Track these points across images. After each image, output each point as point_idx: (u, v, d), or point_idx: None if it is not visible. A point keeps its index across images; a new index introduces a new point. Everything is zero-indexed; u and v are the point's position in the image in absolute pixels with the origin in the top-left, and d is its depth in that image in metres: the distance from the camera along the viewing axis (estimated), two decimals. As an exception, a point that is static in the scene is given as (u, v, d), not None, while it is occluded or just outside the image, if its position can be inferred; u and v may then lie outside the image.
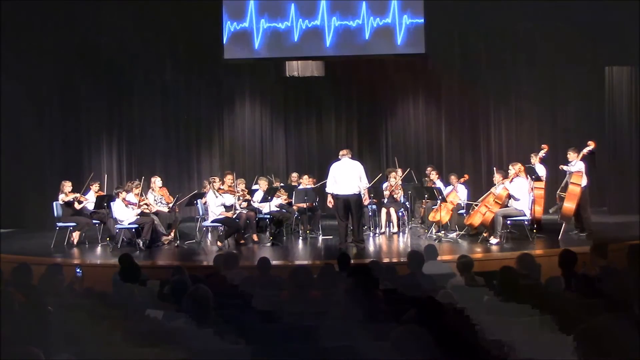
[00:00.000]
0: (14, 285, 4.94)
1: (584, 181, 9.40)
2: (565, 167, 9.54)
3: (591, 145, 9.47)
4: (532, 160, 9.87)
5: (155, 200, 10.22)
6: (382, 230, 10.59)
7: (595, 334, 2.38)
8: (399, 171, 11.07)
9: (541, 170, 9.78)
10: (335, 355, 3.43)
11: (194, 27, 12.19)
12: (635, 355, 2.31)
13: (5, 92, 11.71)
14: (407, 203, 11.09)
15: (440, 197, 9.72)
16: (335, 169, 9.06)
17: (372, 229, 10.57)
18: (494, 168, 9.95)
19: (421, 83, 13.61)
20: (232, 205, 9.86)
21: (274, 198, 10.55)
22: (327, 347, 3.53)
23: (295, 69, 12.49)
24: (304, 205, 10.29)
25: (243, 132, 13.95)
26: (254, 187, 11.05)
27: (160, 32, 12.29)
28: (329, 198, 9.18)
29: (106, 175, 11.50)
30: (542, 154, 9.92)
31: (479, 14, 11.86)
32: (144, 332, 3.73)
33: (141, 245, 9.38)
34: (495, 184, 9.43)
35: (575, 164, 9.39)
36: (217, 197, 9.82)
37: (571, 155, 9.50)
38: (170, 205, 10.29)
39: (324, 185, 9.63)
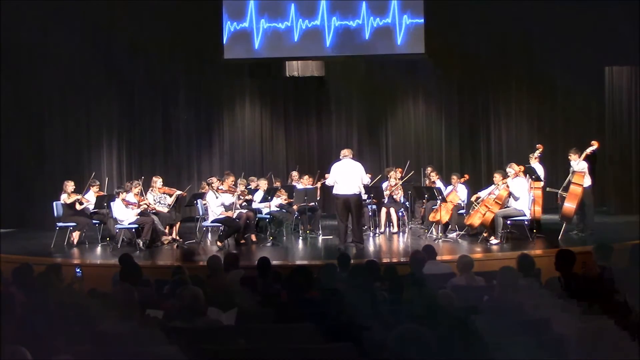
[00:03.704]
0: (14, 285, 4.94)
1: (587, 181, 9.39)
2: (574, 165, 9.44)
3: (594, 145, 9.45)
4: (530, 161, 9.85)
5: (155, 200, 10.22)
6: (382, 230, 10.59)
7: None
8: (399, 171, 11.08)
9: (539, 170, 9.76)
10: (334, 354, 3.44)
11: (194, 27, 12.18)
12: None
13: (5, 92, 11.71)
14: (407, 203, 11.09)
15: (440, 197, 9.72)
16: (336, 169, 9.06)
17: (372, 229, 10.57)
18: (495, 174, 9.86)
19: (421, 83, 13.61)
20: (231, 204, 9.86)
21: (274, 198, 10.55)
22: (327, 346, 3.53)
23: (295, 69, 12.49)
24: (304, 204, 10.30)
25: (243, 132, 13.94)
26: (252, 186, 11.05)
27: (160, 32, 12.28)
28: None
29: (107, 179, 11.52)
30: (537, 153, 9.90)
31: (479, 14, 11.86)
32: (145, 332, 3.73)
33: (141, 245, 9.38)
34: (495, 184, 9.41)
35: (579, 164, 9.36)
36: (217, 197, 9.82)
37: (572, 157, 9.48)
38: (172, 197, 10.32)
39: (324, 185, 9.68)
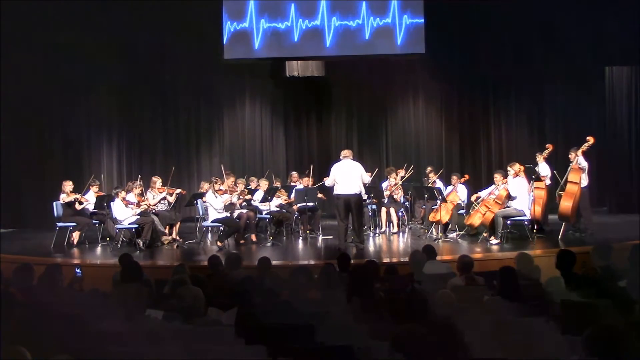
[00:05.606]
0: (14, 285, 4.94)
1: (584, 181, 9.37)
2: (582, 164, 9.39)
3: (590, 141, 9.41)
4: (537, 159, 9.84)
5: (154, 199, 10.22)
6: (382, 230, 10.59)
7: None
8: (400, 171, 11.08)
9: (545, 170, 9.74)
10: (334, 354, 3.43)
11: (194, 27, 12.18)
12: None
13: (6, 91, 11.71)
14: (407, 203, 11.09)
15: (440, 197, 9.72)
16: (336, 169, 9.07)
17: (372, 229, 10.57)
18: (495, 174, 9.85)
19: (421, 83, 13.60)
20: (231, 204, 9.87)
21: (274, 198, 10.55)
22: (326, 346, 3.53)
23: (295, 69, 12.48)
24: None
25: (243, 132, 13.94)
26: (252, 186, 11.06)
27: (160, 32, 12.28)
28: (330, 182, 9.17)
29: (106, 179, 11.52)
30: (546, 153, 9.88)
31: (479, 14, 11.85)
32: (144, 332, 3.73)
33: (141, 245, 9.38)
34: (495, 184, 9.41)
35: (581, 162, 9.32)
36: (216, 197, 9.83)
37: (572, 156, 9.47)
38: (173, 196, 10.31)
39: (323, 185, 9.68)
